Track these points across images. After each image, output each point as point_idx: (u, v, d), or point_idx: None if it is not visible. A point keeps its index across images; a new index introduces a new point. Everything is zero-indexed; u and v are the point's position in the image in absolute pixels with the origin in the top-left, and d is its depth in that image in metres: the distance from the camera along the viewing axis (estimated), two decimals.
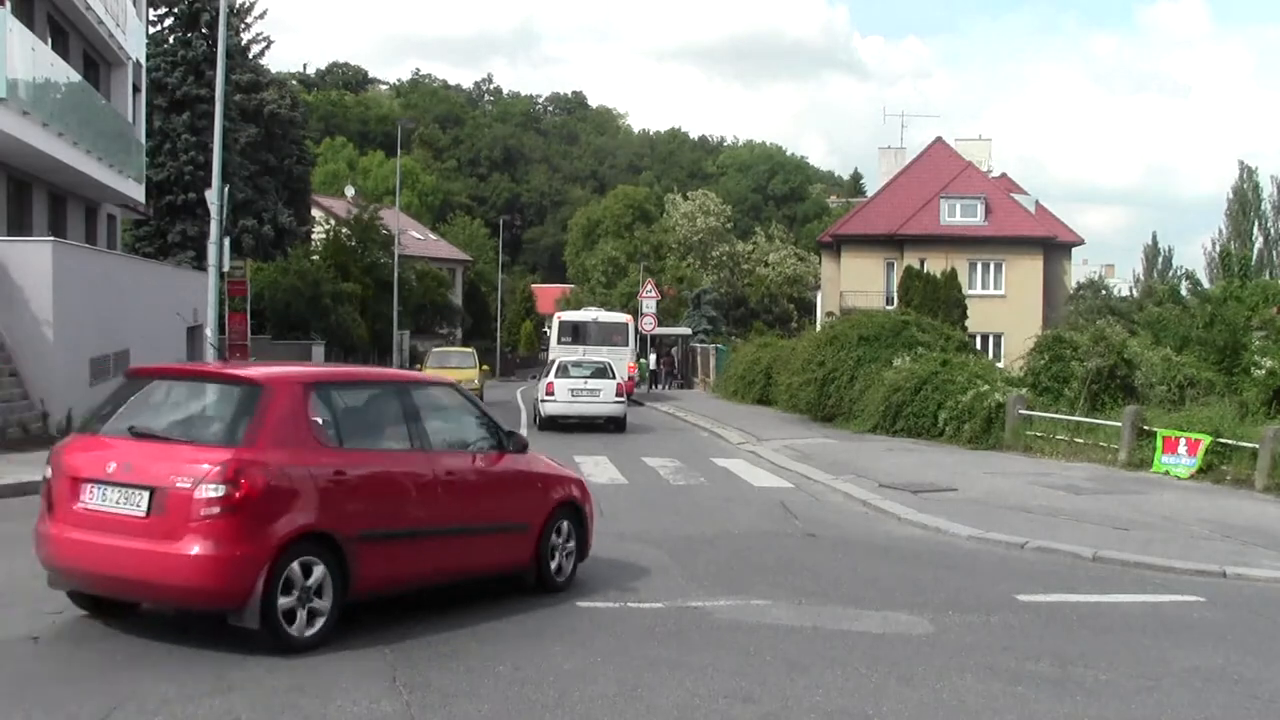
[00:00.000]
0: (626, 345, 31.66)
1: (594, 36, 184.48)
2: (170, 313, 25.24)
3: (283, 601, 6.61)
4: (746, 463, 18.35)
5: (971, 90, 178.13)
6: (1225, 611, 8.72)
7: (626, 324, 33.06)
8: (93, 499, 6.85)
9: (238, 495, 6.51)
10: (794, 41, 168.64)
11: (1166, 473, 16.31)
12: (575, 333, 32.02)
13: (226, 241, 19.38)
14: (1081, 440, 18.51)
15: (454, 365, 35.29)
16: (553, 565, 8.63)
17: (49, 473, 7.18)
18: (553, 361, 26.72)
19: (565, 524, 8.79)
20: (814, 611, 8.20)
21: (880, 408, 22.30)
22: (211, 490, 6.50)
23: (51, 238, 20.36)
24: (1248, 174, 62.68)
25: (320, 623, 6.83)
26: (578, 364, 25.60)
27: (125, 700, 5.78)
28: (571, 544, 8.83)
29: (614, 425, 23.75)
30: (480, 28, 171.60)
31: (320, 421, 7.19)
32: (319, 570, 6.83)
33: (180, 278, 27.74)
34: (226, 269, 20.47)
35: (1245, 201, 61.97)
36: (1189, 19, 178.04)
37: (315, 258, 46.75)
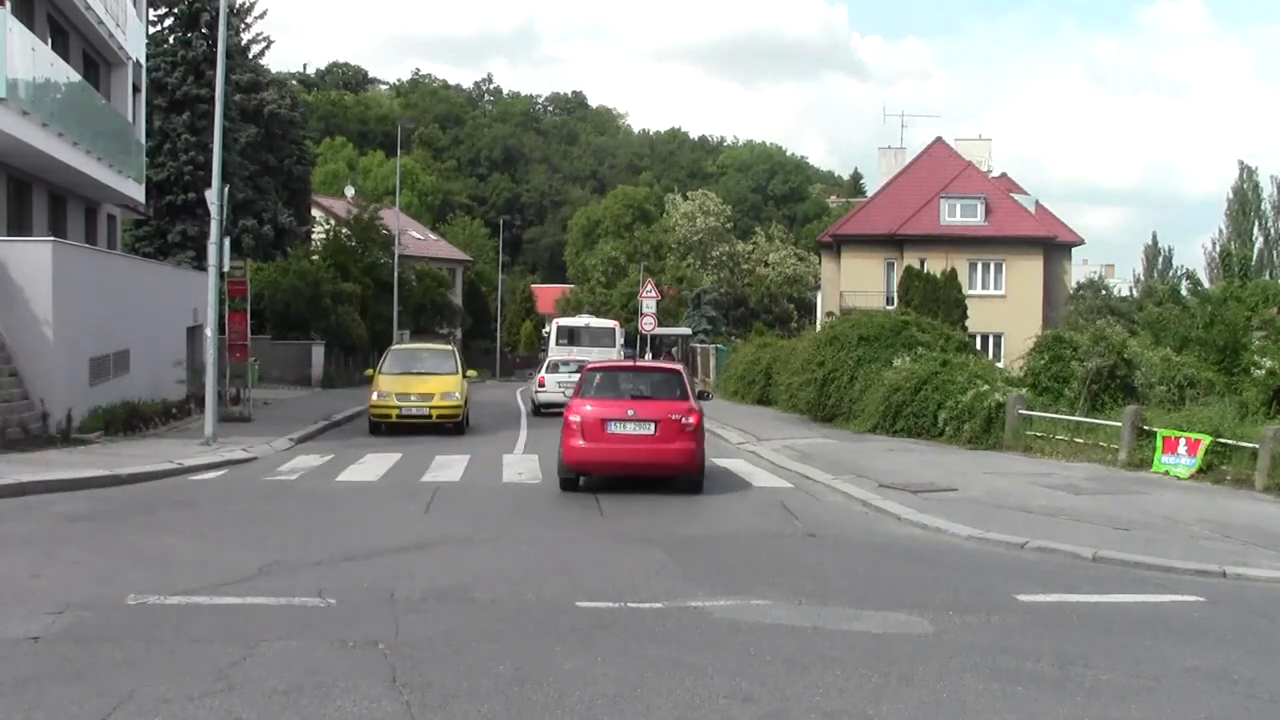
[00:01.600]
0: (613, 346, 36.86)
1: (594, 36, 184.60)
2: (170, 312, 25.26)
3: None
4: (746, 463, 18.34)
5: (971, 90, 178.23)
6: (1225, 611, 8.71)
7: (613, 328, 38.50)
8: (616, 429, 13.98)
9: (695, 422, 14.15)
10: (793, 41, 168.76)
11: (1166, 473, 16.29)
12: (570, 336, 36.91)
13: (226, 241, 19.38)
14: (1081, 440, 18.50)
15: (423, 370, 23.12)
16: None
17: (577, 419, 14.02)
18: (547, 360, 31.60)
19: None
20: (814, 611, 8.20)
21: (880, 408, 22.29)
22: (687, 420, 14.03)
23: (51, 238, 20.37)
24: (1248, 174, 62.84)
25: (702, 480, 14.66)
26: (565, 362, 30.22)
27: (125, 700, 5.78)
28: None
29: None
30: (480, 28, 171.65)
31: (689, 387, 14.98)
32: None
33: (180, 278, 27.74)
34: (226, 269, 20.47)
35: (1245, 201, 62.05)
36: (1188, 19, 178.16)
37: (315, 258, 46.71)
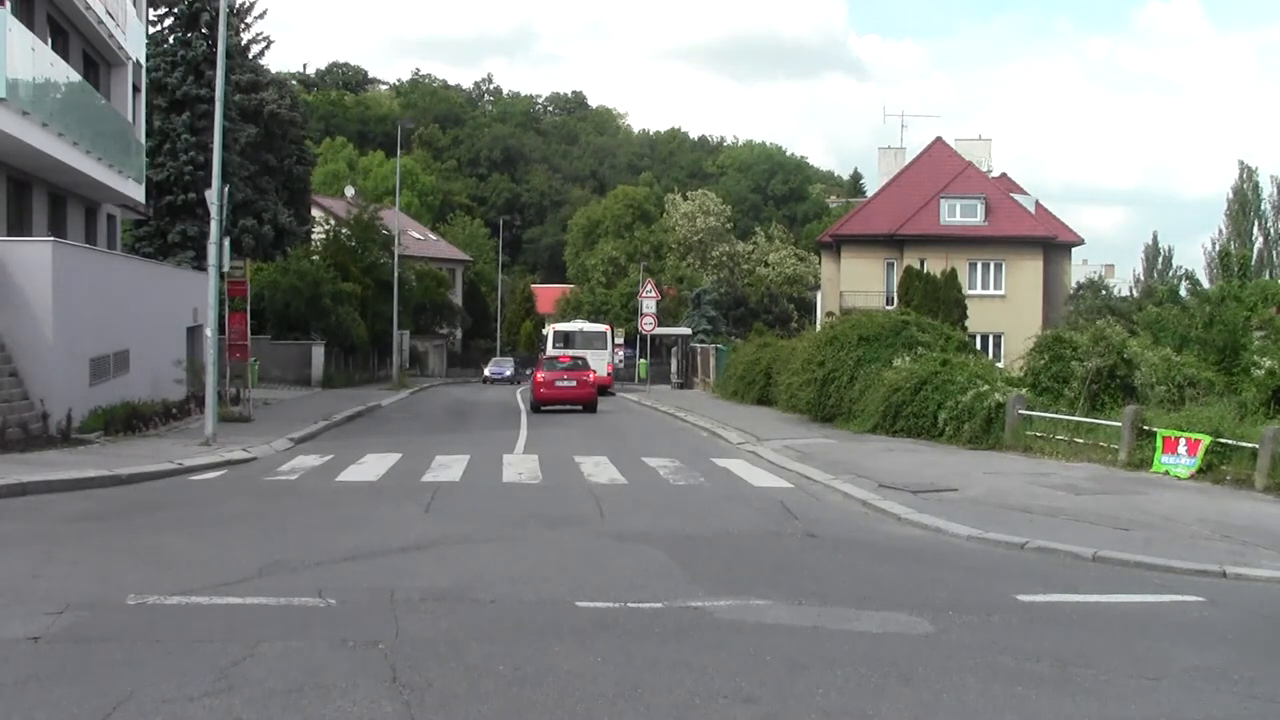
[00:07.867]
0: (605, 349, 42.17)
1: (593, 36, 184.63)
2: (170, 312, 25.26)
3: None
4: (746, 463, 18.34)
5: (970, 91, 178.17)
6: (1225, 611, 8.71)
7: (604, 332, 43.32)
8: (559, 384, 30.80)
9: (593, 381, 31.49)
10: (792, 41, 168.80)
11: (1166, 473, 16.29)
12: (566, 339, 41.12)
13: (226, 241, 19.37)
14: (1081, 440, 18.48)
15: None
16: None
17: (543, 379, 30.99)
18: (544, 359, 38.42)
19: None
20: (814, 611, 8.19)
21: (880, 408, 22.27)
22: (589, 380, 31.16)
23: (51, 238, 20.36)
24: (1248, 174, 62.83)
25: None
26: None
27: (125, 700, 5.78)
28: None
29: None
30: (480, 28, 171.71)
31: (589, 367, 32.90)
32: None
33: (180, 278, 27.75)
34: (226, 269, 20.48)
35: (1245, 201, 62.05)
36: (1184, 19, 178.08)
37: (315, 258, 46.76)
